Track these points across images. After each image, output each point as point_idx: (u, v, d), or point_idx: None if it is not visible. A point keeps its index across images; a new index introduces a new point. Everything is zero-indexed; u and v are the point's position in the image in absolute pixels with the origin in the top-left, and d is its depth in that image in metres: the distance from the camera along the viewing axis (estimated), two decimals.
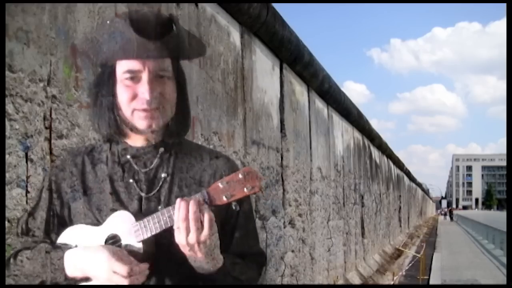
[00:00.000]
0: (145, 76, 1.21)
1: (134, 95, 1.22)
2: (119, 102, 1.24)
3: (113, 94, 1.24)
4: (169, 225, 1.16)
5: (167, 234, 1.17)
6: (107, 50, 1.22)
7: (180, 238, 1.14)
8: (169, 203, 1.24)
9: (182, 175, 1.29)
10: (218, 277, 1.20)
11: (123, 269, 1.12)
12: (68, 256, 1.19)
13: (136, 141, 1.29)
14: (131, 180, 1.26)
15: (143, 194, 1.25)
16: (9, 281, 1.26)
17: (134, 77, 1.21)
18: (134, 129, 1.26)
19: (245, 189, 1.15)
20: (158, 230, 1.17)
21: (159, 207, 1.23)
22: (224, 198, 1.15)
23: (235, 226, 1.31)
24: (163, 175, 1.27)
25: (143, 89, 1.20)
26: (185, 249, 1.15)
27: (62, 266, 1.18)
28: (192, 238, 1.13)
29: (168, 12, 2.76)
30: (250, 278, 1.31)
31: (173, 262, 1.22)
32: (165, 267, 1.23)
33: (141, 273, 1.15)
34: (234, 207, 1.18)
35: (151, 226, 1.17)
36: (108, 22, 1.25)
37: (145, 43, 1.19)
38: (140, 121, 1.23)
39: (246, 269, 1.30)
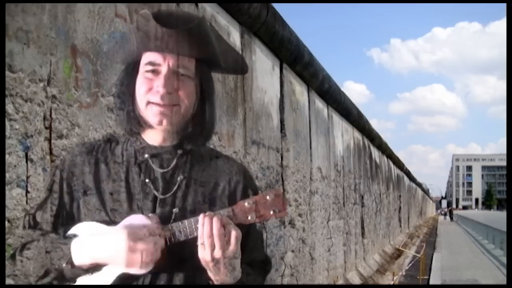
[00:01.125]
0: (164, 69, 1.21)
1: (150, 88, 1.22)
2: (137, 94, 1.24)
3: (134, 87, 1.24)
4: (189, 237, 1.15)
5: (180, 245, 1.17)
6: (132, 43, 1.24)
7: (205, 254, 1.14)
8: (183, 206, 1.23)
9: (198, 179, 1.28)
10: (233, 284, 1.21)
11: (146, 245, 1.12)
12: (76, 243, 1.17)
13: (153, 139, 1.28)
14: (147, 180, 1.25)
15: (158, 195, 1.24)
16: (9, 281, 1.25)
17: (154, 70, 1.22)
18: (148, 125, 1.25)
19: (271, 212, 1.16)
20: (185, 238, 1.16)
21: (174, 209, 1.23)
22: (249, 218, 1.16)
23: (246, 237, 1.29)
24: (179, 178, 1.26)
25: (159, 83, 1.20)
26: (208, 265, 1.15)
27: (69, 252, 1.16)
28: (218, 254, 1.13)
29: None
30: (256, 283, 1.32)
31: (184, 273, 1.22)
32: (175, 278, 1.22)
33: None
34: (258, 228, 1.18)
35: (170, 237, 1.16)
36: (136, 18, 1.25)
37: (166, 34, 1.19)
38: (152, 115, 1.22)
39: (255, 278, 1.31)
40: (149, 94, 1.22)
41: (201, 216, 1.14)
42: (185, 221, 1.17)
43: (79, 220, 1.24)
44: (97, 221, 1.22)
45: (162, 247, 1.15)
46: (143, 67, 1.23)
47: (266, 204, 1.16)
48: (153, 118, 1.22)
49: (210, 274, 1.18)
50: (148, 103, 1.22)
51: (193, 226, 1.15)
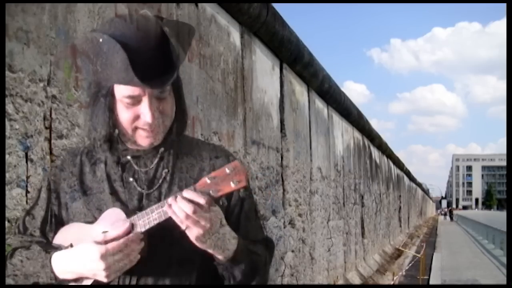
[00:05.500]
0: (145, 99, 1.19)
1: (136, 116, 1.20)
2: (120, 120, 1.22)
3: (112, 109, 1.22)
4: (162, 220, 1.15)
5: (160, 229, 1.16)
6: (106, 71, 1.18)
7: (196, 233, 1.12)
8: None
9: (181, 172, 1.29)
10: (237, 254, 1.20)
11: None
12: (56, 258, 1.19)
13: (135, 144, 1.28)
14: (131, 179, 1.25)
15: (143, 192, 1.25)
16: (9, 281, 1.26)
17: (135, 100, 1.19)
18: (136, 143, 1.26)
19: (231, 184, 1.14)
20: (150, 226, 1.16)
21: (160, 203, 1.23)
22: (211, 193, 1.14)
23: (238, 227, 1.29)
24: (163, 172, 1.27)
25: (145, 111, 1.19)
26: (206, 243, 1.14)
27: (50, 268, 1.18)
28: (206, 224, 1.11)
29: (168, 16, 2.75)
30: (264, 256, 1.31)
31: (169, 256, 1.22)
32: (161, 262, 1.22)
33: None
34: (221, 203, 1.15)
35: (143, 222, 1.16)
36: (103, 43, 1.19)
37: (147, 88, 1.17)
38: (141, 138, 1.23)
39: (258, 248, 1.29)
40: (136, 122, 1.21)
41: (166, 206, 1.13)
42: (154, 206, 1.16)
43: (69, 223, 1.25)
44: (83, 222, 1.23)
45: (139, 249, 1.15)
46: (120, 96, 1.19)
47: (226, 177, 1.14)
48: (143, 140, 1.23)
49: (216, 253, 1.17)
50: (136, 128, 1.22)
51: (155, 211, 1.15)
